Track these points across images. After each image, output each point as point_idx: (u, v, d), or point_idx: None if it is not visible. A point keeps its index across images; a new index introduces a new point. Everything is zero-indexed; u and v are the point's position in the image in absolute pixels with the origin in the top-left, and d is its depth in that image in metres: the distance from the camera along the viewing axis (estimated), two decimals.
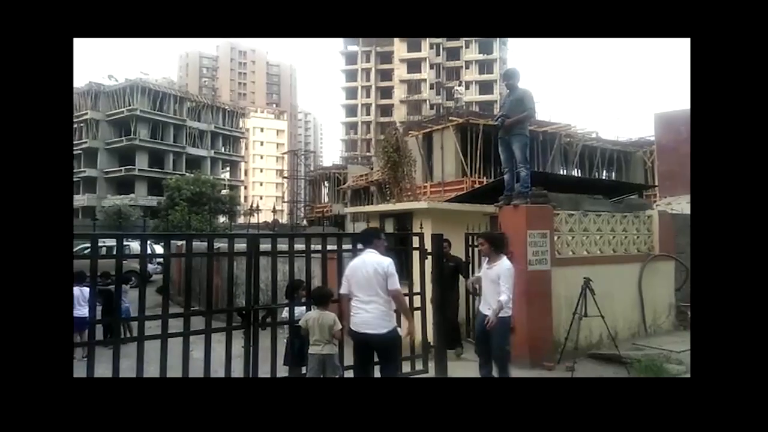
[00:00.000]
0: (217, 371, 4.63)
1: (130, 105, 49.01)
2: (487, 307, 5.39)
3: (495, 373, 5.49)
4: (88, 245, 4.44)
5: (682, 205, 15.43)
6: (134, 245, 4.84)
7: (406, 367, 6.01)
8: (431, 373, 6.11)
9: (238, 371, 4.76)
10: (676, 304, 9.08)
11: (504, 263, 5.36)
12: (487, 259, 5.54)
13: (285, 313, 5.34)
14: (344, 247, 5.57)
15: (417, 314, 6.26)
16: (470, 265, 7.88)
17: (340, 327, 5.10)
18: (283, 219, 57.28)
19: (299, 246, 5.39)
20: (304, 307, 5.24)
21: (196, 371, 4.45)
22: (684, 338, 8.27)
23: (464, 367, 6.82)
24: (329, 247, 5.54)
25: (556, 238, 7.36)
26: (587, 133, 27.67)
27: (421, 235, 6.19)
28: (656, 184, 17.60)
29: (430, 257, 6.24)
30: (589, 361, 7.07)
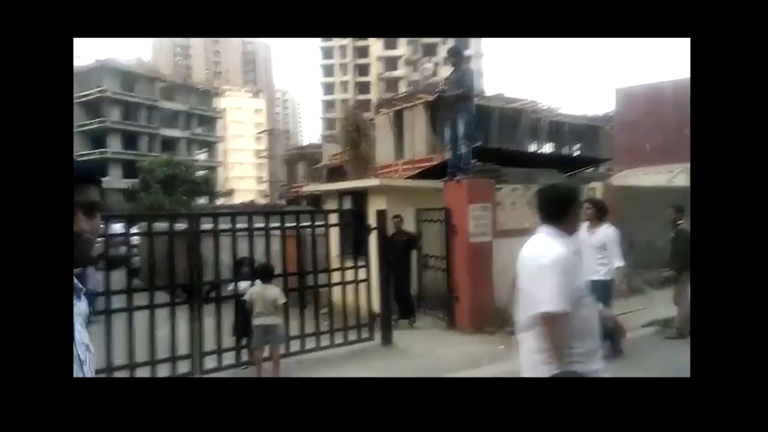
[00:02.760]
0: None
1: (99, 86, 47.87)
2: (590, 274, 4.92)
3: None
4: None
5: (639, 177, 15.98)
6: (116, 227, 4.92)
7: (352, 335, 6.39)
8: (376, 340, 6.49)
9: (184, 346, 5.06)
10: None
11: (608, 229, 5.21)
12: (587, 224, 5.29)
13: (232, 287, 5.66)
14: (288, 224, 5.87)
15: (363, 286, 6.65)
16: (421, 239, 8.23)
17: (284, 300, 5.44)
18: (264, 199, 57.06)
19: (244, 225, 5.67)
20: (249, 282, 5.54)
21: (143, 345, 4.73)
22: (627, 302, 8.75)
23: (415, 334, 7.24)
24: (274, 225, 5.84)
25: (499, 210, 7.72)
26: (553, 109, 28.05)
27: (362, 211, 6.50)
28: (610, 157, 18.08)
29: (375, 232, 6.57)
30: None
